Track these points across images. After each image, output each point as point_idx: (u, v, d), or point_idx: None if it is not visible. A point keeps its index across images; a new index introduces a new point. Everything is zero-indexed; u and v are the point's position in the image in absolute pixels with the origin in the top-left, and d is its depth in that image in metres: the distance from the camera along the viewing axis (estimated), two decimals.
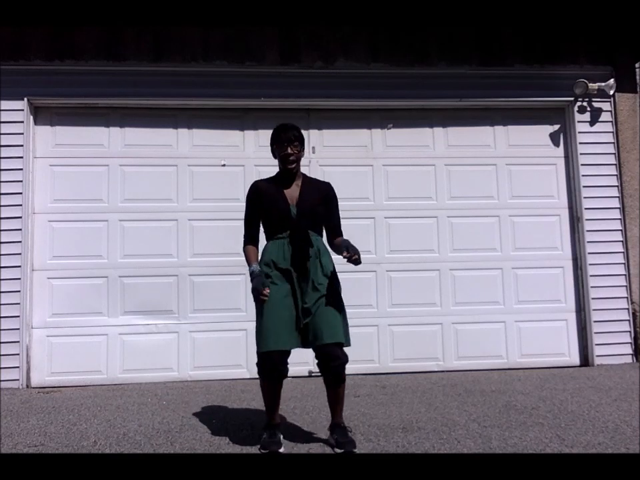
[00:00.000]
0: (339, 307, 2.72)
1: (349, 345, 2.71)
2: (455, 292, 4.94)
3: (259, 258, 2.81)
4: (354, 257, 2.55)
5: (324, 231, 2.90)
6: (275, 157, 2.87)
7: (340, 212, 2.94)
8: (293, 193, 2.79)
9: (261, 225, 2.88)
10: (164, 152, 4.87)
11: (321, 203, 2.83)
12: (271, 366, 2.62)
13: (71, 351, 4.57)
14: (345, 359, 2.67)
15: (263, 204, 2.80)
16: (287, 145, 2.76)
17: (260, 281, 2.65)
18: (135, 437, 2.97)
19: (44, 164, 4.74)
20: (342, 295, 2.78)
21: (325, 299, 2.68)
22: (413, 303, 4.89)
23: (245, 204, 2.90)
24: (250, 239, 2.87)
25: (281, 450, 2.64)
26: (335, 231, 2.89)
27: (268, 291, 2.62)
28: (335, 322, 2.66)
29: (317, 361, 2.74)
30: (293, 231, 2.73)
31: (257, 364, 2.69)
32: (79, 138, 4.79)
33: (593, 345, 4.87)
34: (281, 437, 2.73)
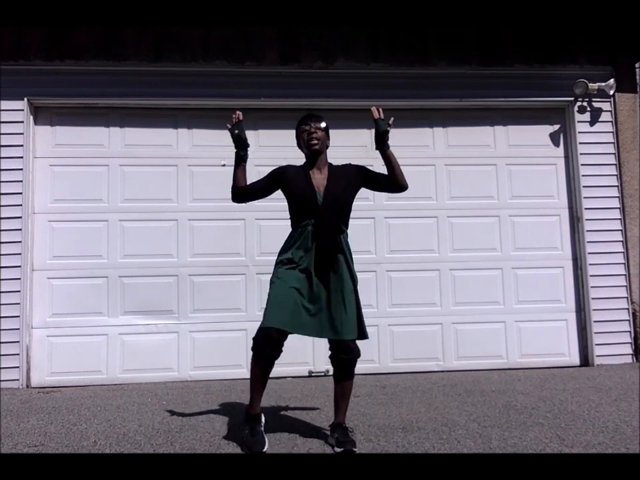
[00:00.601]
0: (357, 301, 2.74)
1: (367, 337, 2.73)
2: (455, 292, 4.94)
3: (283, 244, 2.82)
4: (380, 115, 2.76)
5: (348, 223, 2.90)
6: (300, 148, 2.89)
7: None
8: (320, 180, 2.79)
9: (262, 196, 2.92)
10: (164, 152, 4.87)
11: (353, 184, 2.83)
12: (265, 342, 2.61)
13: (71, 351, 4.58)
14: (358, 354, 2.73)
15: (288, 189, 2.81)
16: (309, 128, 2.79)
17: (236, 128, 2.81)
18: (134, 436, 2.97)
19: (44, 164, 4.74)
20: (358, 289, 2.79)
21: (343, 292, 2.69)
22: (413, 303, 4.89)
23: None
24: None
25: (265, 449, 2.60)
26: (383, 175, 2.90)
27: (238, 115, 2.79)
28: (350, 317, 2.68)
29: (329, 353, 2.77)
30: (319, 219, 2.72)
31: (253, 338, 2.67)
32: (79, 138, 4.79)
33: (592, 345, 4.87)
34: (263, 430, 2.68)
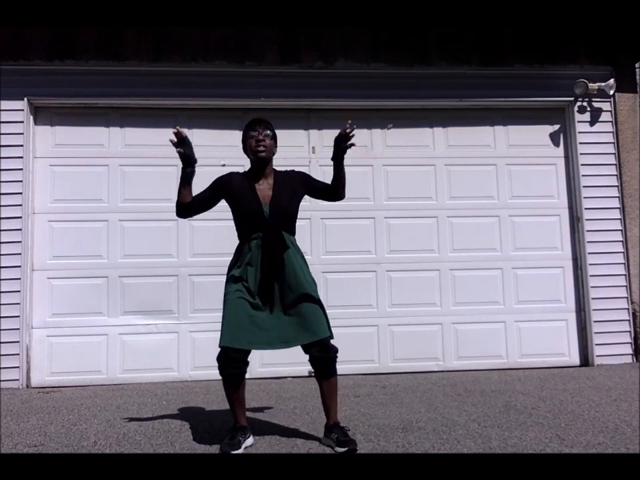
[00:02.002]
0: (319, 302, 2.73)
1: (333, 337, 2.74)
2: (455, 292, 4.94)
3: (232, 258, 2.80)
4: (350, 132, 2.69)
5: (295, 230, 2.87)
6: (246, 153, 2.86)
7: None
8: (266, 191, 2.76)
9: (206, 208, 2.87)
10: (164, 152, 4.85)
11: (298, 194, 2.81)
12: (226, 362, 2.61)
13: (71, 351, 4.58)
14: (336, 349, 2.74)
15: (233, 200, 2.78)
16: (256, 134, 2.76)
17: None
18: (134, 436, 2.97)
19: (44, 164, 4.74)
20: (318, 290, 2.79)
21: (304, 296, 2.68)
22: (413, 303, 4.89)
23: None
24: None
25: (237, 451, 2.59)
26: (326, 185, 2.89)
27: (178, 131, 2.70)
28: (320, 318, 2.69)
29: (307, 356, 2.75)
30: (266, 233, 2.69)
31: (217, 358, 2.66)
32: (79, 138, 4.79)
33: (593, 345, 4.87)
34: (242, 440, 2.65)
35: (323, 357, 2.71)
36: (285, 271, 2.69)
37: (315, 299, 2.71)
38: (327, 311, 2.76)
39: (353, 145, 2.75)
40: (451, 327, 4.90)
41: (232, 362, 2.60)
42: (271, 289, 2.68)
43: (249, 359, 2.68)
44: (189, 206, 2.80)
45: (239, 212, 2.78)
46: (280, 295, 2.69)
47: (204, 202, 2.84)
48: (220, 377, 2.66)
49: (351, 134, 2.71)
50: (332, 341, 2.73)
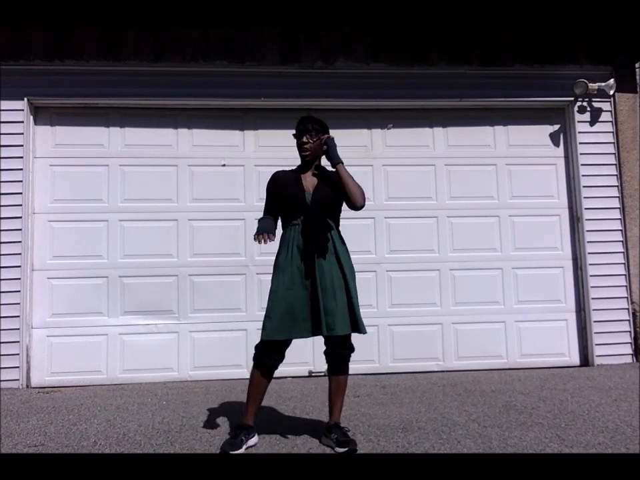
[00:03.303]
0: (352, 295, 2.74)
1: (364, 332, 2.76)
2: (455, 292, 4.94)
3: (278, 247, 2.83)
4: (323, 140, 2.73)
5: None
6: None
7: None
8: (310, 181, 2.82)
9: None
10: (164, 152, 4.87)
11: (338, 189, 2.81)
12: (265, 353, 2.68)
13: (70, 351, 4.58)
14: (351, 349, 2.79)
15: (280, 192, 2.82)
16: (302, 134, 2.82)
17: (266, 222, 2.74)
18: (134, 436, 2.97)
19: (44, 164, 4.74)
20: (356, 284, 2.81)
21: (334, 288, 2.69)
22: (413, 303, 4.89)
23: (263, 197, 2.95)
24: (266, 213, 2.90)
25: (237, 451, 2.60)
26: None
27: (269, 238, 2.63)
28: (346, 313, 2.69)
29: (324, 348, 2.80)
30: (307, 217, 2.74)
31: (255, 346, 2.74)
32: (79, 138, 4.79)
33: (593, 345, 4.87)
34: (244, 439, 2.66)
35: (334, 352, 2.76)
36: (327, 257, 2.71)
37: (349, 291, 2.73)
38: None
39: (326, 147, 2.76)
40: (451, 327, 4.90)
41: (270, 353, 2.68)
42: (312, 273, 2.69)
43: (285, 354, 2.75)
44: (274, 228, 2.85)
45: (283, 200, 2.81)
46: (315, 282, 2.69)
47: (273, 209, 2.87)
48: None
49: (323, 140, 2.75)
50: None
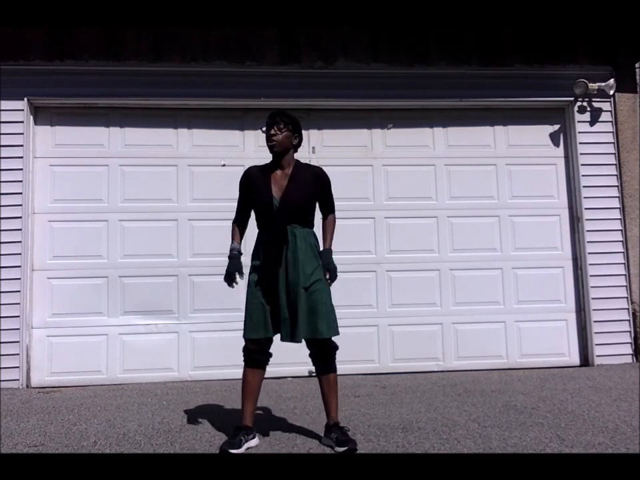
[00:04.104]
0: (323, 297, 2.73)
1: (338, 334, 2.79)
2: (455, 292, 4.94)
3: (253, 248, 2.88)
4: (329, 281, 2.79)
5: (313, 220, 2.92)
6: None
7: (333, 195, 2.96)
8: (280, 183, 2.80)
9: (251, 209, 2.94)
10: (164, 152, 4.87)
11: (312, 190, 2.81)
12: (250, 352, 2.74)
13: (70, 351, 4.57)
14: (335, 347, 2.81)
15: (249, 193, 2.86)
16: (270, 127, 2.80)
17: (235, 266, 2.83)
18: (135, 436, 2.97)
19: (44, 164, 4.74)
20: (329, 287, 2.82)
21: (308, 291, 2.70)
22: (413, 303, 4.89)
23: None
24: (238, 219, 2.97)
25: (237, 451, 2.60)
26: (326, 209, 2.96)
27: (239, 279, 2.81)
28: (320, 315, 2.70)
29: (307, 356, 2.82)
30: (276, 222, 2.76)
31: (242, 349, 2.79)
32: (79, 138, 4.79)
33: (593, 345, 4.87)
34: (243, 440, 2.66)
35: (319, 352, 2.78)
36: (288, 263, 2.72)
37: (319, 294, 2.71)
38: None
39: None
40: (451, 326, 4.90)
41: (255, 351, 2.74)
42: (277, 280, 2.73)
43: (271, 351, 2.79)
44: (244, 226, 2.99)
45: (254, 203, 2.85)
46: (287, 288, 2.72)
47: (247, 208, 2.93)
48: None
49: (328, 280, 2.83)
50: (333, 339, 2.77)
